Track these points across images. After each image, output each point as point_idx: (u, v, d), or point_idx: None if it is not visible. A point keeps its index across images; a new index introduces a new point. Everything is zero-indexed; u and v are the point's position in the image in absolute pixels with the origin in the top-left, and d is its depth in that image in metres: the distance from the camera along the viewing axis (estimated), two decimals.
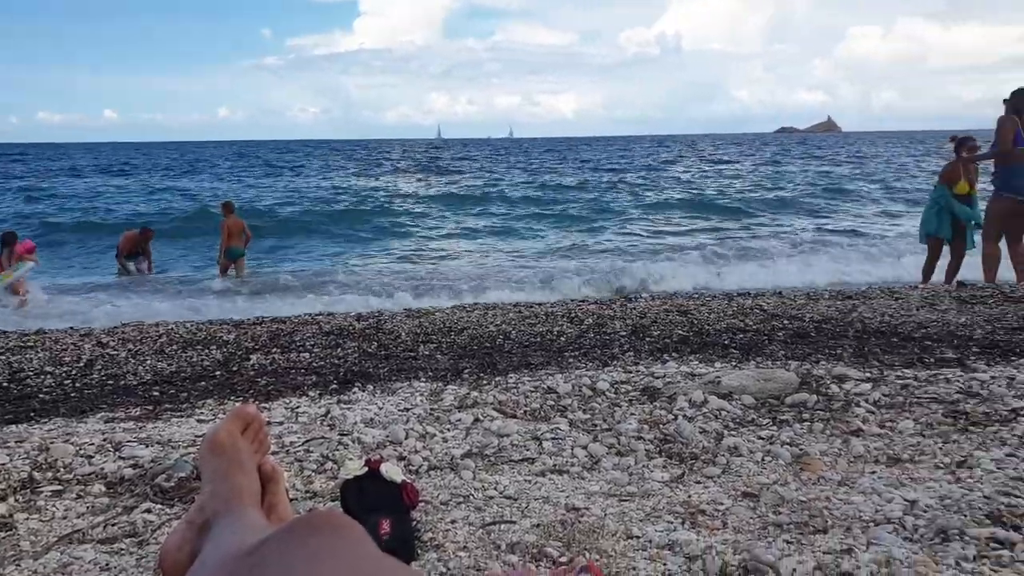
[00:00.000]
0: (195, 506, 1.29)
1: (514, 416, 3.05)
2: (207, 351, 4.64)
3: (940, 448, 2.59)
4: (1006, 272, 7.66)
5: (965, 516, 2.02)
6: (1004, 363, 3.83)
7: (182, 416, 3.31)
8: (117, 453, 2.71)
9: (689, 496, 2.26)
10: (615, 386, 3.42)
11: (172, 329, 5.42)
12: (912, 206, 21.59)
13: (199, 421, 3.21)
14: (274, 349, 4.65)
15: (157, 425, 3.15)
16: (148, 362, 4.40)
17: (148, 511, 2.23)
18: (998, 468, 2.37)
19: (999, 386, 3.26)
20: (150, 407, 3.47)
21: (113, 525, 2.14)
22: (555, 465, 2.54)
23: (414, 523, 2.04)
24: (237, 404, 3.49)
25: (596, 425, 2.92)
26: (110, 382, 3.99)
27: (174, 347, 4.79)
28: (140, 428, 3.09)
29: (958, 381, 3.37)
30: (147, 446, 2.78)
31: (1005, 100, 7.41)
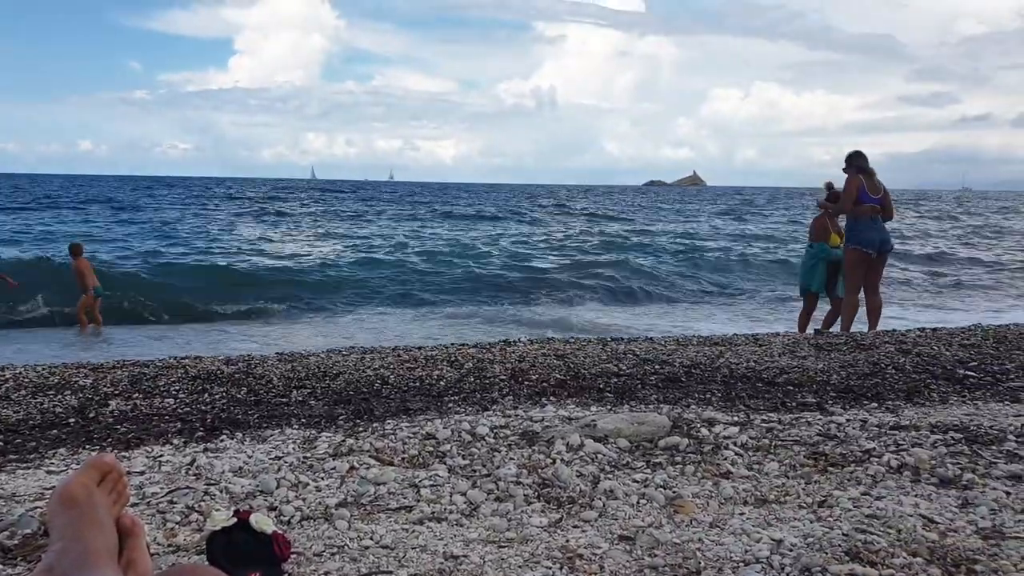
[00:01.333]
0: (41, 566, 1.18)
1: (391, 463, 2.99)
2: (60, 396, 4.32)
3: (803, 488, 2.72)
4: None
5: (827, 554, 2.12)
6: (857, 407, 4.09)
7: (29, 467, 3.06)
8: None
9: (567, 541, 2.26)
10: (495, 431, 3.41)
11: (21, 373, 5.02)
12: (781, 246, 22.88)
13: (49, 473, 2.97)
14: (136, 394, 4.39)
15: None
16: None
17: None
18: (855, 507, 2.51)
19: (854, 428, 3.47)
20: None
21: None
22: (433, 513, 2.49)
23: None
24: (93, 453, 3.26)
25: (475, 471, 2.89)
26: None
27: (22, 392, 4.43)
28: None
29: (818, 424, 3.56)
30: None
31: (844, 169, 8.09)
